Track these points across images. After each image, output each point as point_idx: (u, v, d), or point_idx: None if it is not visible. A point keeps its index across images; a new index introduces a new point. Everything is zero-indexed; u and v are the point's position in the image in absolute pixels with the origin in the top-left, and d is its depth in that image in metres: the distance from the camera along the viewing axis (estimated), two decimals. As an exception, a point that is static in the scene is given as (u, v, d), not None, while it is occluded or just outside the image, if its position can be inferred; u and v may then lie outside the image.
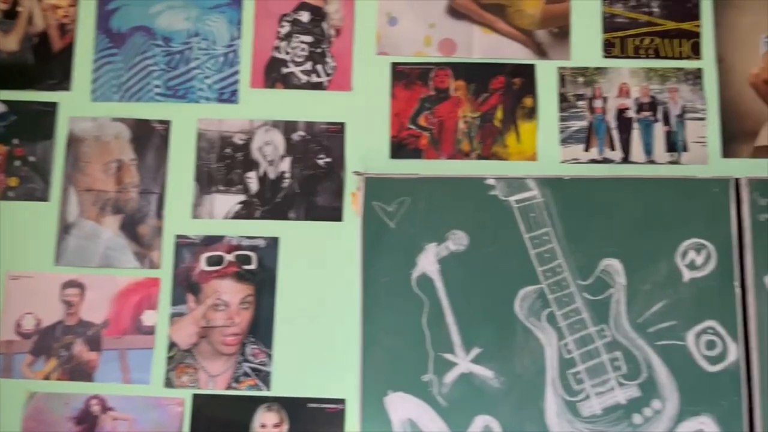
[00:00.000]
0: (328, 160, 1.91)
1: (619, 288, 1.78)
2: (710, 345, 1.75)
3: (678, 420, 1.72)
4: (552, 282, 1.78)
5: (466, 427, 1.73)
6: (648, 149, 1.91)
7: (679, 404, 1.72)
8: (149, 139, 1.93)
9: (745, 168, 1.87)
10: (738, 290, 1.76)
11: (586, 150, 1.91)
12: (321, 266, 1.86)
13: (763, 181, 1.80)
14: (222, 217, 1.89)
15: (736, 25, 1.96)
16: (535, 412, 1.73)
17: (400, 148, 1.92)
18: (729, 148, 1.90)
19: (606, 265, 1.79)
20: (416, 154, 1.92)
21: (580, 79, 1.94)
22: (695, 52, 1.94)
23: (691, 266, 1.78)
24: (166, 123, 1.94)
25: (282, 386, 1.81)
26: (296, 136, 1.92)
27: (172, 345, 1.84)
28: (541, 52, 1.95)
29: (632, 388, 1.74)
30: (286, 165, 1.91)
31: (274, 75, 1.96)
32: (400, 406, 1.74)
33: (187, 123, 1.94)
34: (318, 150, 1.91)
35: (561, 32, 1.96)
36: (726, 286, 1.77)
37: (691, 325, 1.75)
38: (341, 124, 1.93)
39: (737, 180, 1.81)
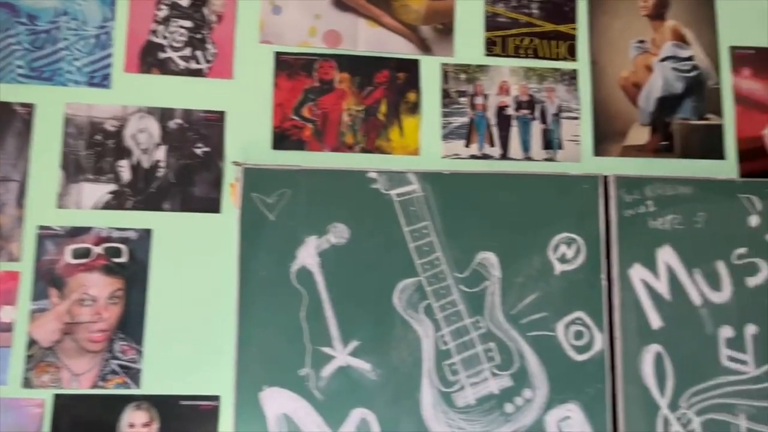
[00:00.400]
0: (206, 149, 1.85)
1: (495, 280, 1.82)
2: (578, 335, 1.83)
3: (547, 408, 1.78)
4: (430, 275, 1.81)
5: (342, 420, 1.72)
6: (525, 146, 1.97)
7: (548, 393, 1.79)
8: (10, 122, 1.80)
9: (614, 166, 1.96)
10: (604, 282, 1.85)
11: (467, 146, 1.95)
12: (197, 259, 1.80)
13: (629, 179, 1.90)
14: (90, 207, 1.79)
15: (609, 29, 2.05)
16: (411, 404, 1.75)
17: (282, 139, 1.89)
18: (600, 147, 2.00)
19: (482, 258, 1.83)
20: (299, 145, 1.89)
21: (463, 76, 1.97)
22: (571, 53, 2.02)
23: (562, 260, 1.85)
24: (29, 106, 1.81)
25: (153, 384, 1.74)
26: (173, 124, 1.85)
27: (32, 342, 1.72)
28: (425, 48, 1.97)
29: (505, 377, 1.79)
30: (161, 154, 1.84)
31: (150, 60, 1.87)
32: (276, 401, 1.71)
33: (53, 107, 1.81)
34: (196, 139, 1.85)
35: (445, 29, 1.99)
36: (594, 278, 1.85)
37: (561, 316, 1.83)
38: (221, 113, 1.87)
39: (606, 177, 1.90)
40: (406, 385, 1.75)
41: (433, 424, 1.74)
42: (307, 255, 1.77)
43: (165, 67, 1.87)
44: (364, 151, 1.91)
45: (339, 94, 1.92)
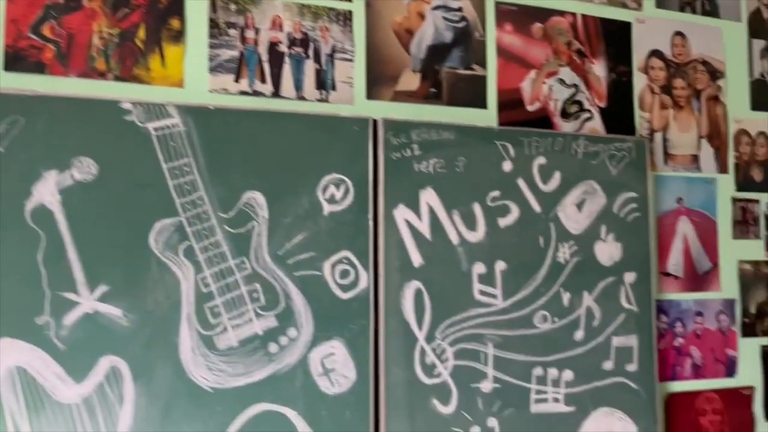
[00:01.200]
0: None
1: (262, 221, 1.78)
2: (344, 274, 1.86)
3: (312, 346, 1.80)
4: (192, 215, 1.72)
5: (88, 370, 1.59)
6: (298, 85, 1.93)
7: (313, 331, 1.81)
8: None
9: (385, 110, 2.00)
10: (371, 223, 1.89)
11: (237, 81, 1.86)
12: None
13: (396, 123, 1.94)
14: None
15: (384, -27, 2.06)
16: (168, 349, 1.66)
17: (16, 61, 1.65)
18: (373, 90, 2.02)
19: (249, 197, 1.78)
20: (38, 68, 1.67)
21: (233, 7, 1.87)
22: (347, -7, 2.00)
23: (331, 200, 1.86)
24: None
25: None
26: None
27: None
28: (191, -28, 1.83)
29: (269, 318, 1.77)
30: None
31: None
32: (7, 353, 1.53)
33: None
34: None
35: (213, -47, 1.86)
36: (361, 219, 1.88)
37: (328, 256, 1.84)
38: (-65, 24, 1.59)
39: (375, 121, 1.93)
40: (162, 330, 1.66)
41: (192, 368, 1.68)
42: (46, 192, 1.59)
43: None
44: (119, 79, 1.74)
45: (88, 14, 1.72)
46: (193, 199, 1.71)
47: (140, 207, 1.67)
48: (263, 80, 1.88)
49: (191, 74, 1.81)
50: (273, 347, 1.76)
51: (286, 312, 1.78)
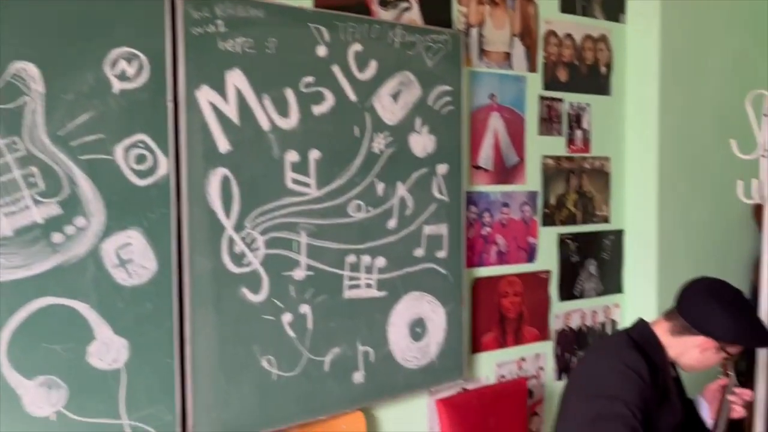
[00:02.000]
0: None
1: (36, 96, 1.57)
2: (140, 159, 1.71)
3: (104, 236, 1.65)
4: (-56, 85, 1.47)
5: None
6: (79, -57, 1.68)
7: (105, 220, 1.65)
8: None
9: (186, -19, 1.82)
10: (170, 104, 1.74)
11: (-2, -71, 1.58)
12: None
13: (199, -5, 1.78)
14: None
15: None
16: None
17: None
18: (174, -41, 1.82)
19: (18, 68, 1.54)
20: None
21: None
22: None
23: (122, 77, 1.68)
24: None
25: None
26: None
27: None
28: None
29: (51, 205, 1.59)
30: None
31: None
32: None
33: None
34: None
35: None
36: (158, 99, 1.72)
37: (120, 139, 1.67)
38: None
39: (172, -10, 1.75)
40: None
41: (-44, 261, 1.48)
42: None
43: None
44: None
45: None
46: (-56, 67, 1.46)
47: None
48: (33, -68, 1.61)
49: None
50: (57, 237, 1.60)
51: (71, 199, 1.61)
